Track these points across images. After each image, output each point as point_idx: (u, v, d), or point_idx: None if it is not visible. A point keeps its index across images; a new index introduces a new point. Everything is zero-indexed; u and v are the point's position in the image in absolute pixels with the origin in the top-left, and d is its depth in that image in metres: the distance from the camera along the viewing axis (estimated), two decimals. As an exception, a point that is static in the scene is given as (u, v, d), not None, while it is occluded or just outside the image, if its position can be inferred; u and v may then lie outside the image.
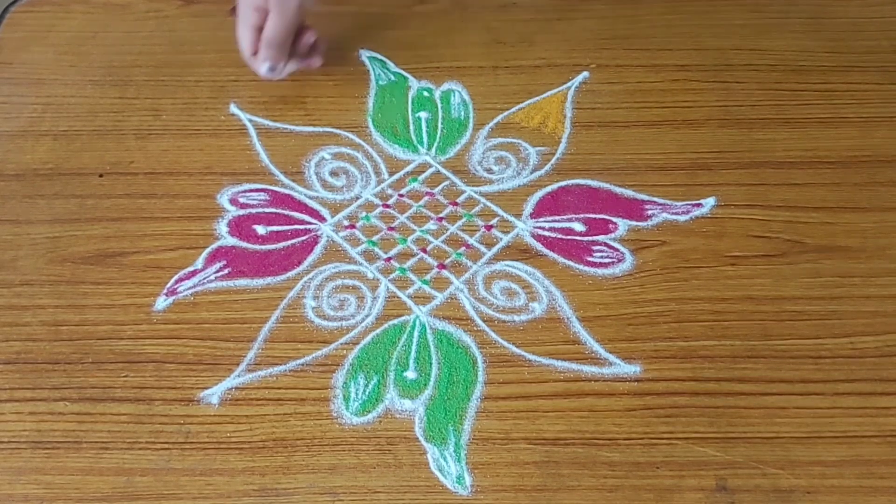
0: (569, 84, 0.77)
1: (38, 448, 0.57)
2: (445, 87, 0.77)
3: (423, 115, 0.75)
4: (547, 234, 0.67)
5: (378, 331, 0.62)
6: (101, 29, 0.82)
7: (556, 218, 0.68)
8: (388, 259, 0.66)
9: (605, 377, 0.59)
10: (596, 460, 0.56)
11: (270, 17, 0.64)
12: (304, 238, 0.67)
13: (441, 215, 0.68)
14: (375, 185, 0.70)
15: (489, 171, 0.71)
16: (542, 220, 0.68)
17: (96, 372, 0.60)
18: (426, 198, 0.69)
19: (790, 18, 0.81)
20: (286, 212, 0.68)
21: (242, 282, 0.64)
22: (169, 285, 0.64)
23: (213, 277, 0.65)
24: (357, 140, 0.73)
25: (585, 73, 0.77)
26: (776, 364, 0.60)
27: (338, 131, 0.74)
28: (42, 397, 0.59)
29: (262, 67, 0.67)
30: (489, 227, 0.67)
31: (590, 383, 0.59)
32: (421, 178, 0.71)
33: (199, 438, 0.57)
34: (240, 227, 0.67)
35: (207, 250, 0.66)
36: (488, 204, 0.69)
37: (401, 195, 0.70)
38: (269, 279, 0.64)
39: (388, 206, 0.69)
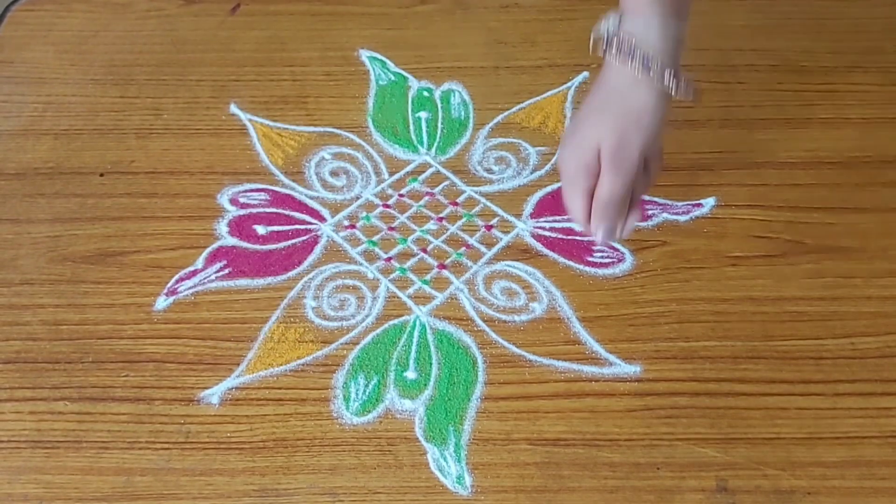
0: (569, 84, 0.77)
1: (37, 447, 0.57)
2: (445, 87, 0.77)
3: (423, 115, 0.75)
4: (547, 234, 0.67)
5: (378, 331, 0.62)
6: (102, 28, 0.82)
7: (557, 218, 0.68)
8: (389, 259, 0.66)
9: (606, 377, 0.59)
10: (597, 461, 0.56)
11: (605, 175, 0.54)
12: (304, 238, 0.67)
13: (441, 215, 0.68)
14: (375, 185, 0.70)
15: (489, 171, 0.71)
16: (542, 220, 0.68)
17: (96, 371, 0.60)
18: (426, 198, 0.69)
19: (792, 19, 0.81)
20: (286, 212, 0.68)
21: (243, 282, 0.64)
22: (169, 285, 0.64)
23: (213, 277, 0.64)
24: (357, 140, 0.73)
25: (586, 73, 0.77)
26: (777, 365, 0.60)
27: (338, 131, 0.74)
28: (42, 397, 0.59)
29: (598, 234, 0.56)
30: (489, 227, 0.67)
31: (590, 384, 0.59)
32: (421, 178, 0.71)
33: (200, 438, 0.57)
34: (240, 226, 0.67)
35: (208, 250, 0.66)
36: (488, 204, 0.69)
37: (401, 195, 0.70)
38: (269, 279, 0.64)
39: (388, 206, 0.69)
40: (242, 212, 0.68)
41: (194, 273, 0.65)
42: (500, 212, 0.68)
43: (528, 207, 0.69)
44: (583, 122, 0.55)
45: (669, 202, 0.68)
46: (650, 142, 0.54)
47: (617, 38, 0.53)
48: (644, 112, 0.54)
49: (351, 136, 0.73)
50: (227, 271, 0.65)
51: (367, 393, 0.59)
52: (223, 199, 0.69)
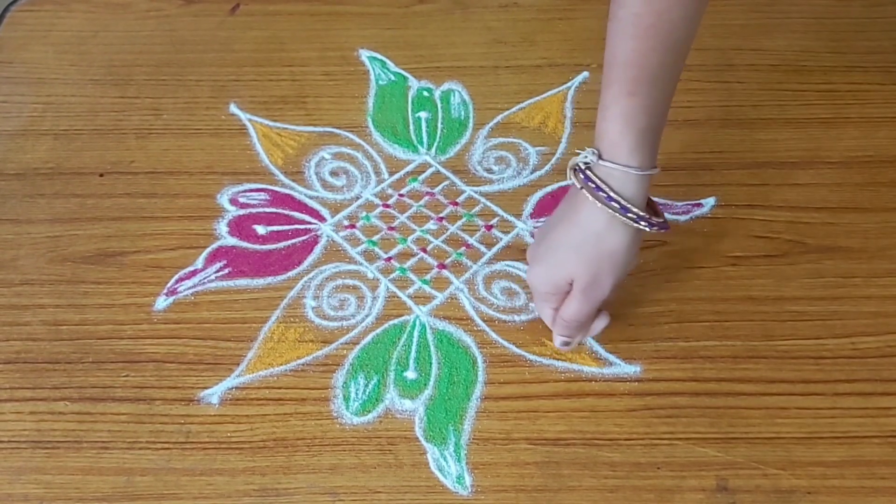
0: (569, 84, 0.77)
1: (38, 448, 0.57)
2: (445, 86, 0.77)
3: (423, 115, 0.75)
4: (547, 234, 0.67)
5: (378, 331, 0.62)
6: (101, 28, 0.82)
7: (557, 218, 0.68)
8: (389, 259, 0.66)
9: (606, 377, 0.59)
10: (597, 461, 0.56)
11: (573, 301, 0.56)
12: (304, 238, 0.67)
13: (441, 215, 0.68)
14: (375, 185, 0.70)
15: (489, 170, 0.71)
16: (542, 219, 0.68)
17: (96, 372, 0.60)
18: (426, 198, 0.69)
19: (792, 18, 0.81)
20: (286, 212, 0.68)
21: (243, 281, 0.64)
22: (169, 285, 0.64)
23: (213, 277, 0.64)
24: (357, 140, 0.73)
25: (586, 73, 0.77)
26: (777, 364, 0.60)
27: (338, 131, 0.74)
28: (42, 397, 0.59)
29: (556, 340, 0.60)
30: (489, 227, 0.67)
31: (590, 383, 0.59)
32: (421, 177, 0.71)
33: (200, 438, 0.57)
34: (240, 226, 0.67)
35: (208, 250, 0.66)
36: (488, 204, 0.69)
37: (401, 195, 0.70)
38: (269, 279, 0.64)
39: (388, 206, 0.69)
40: (242, 212, 0.68)
41: (194, 273, 0.65)
42: (500, 212, 0.68)
43: (528, 207, 0.69)
44: (558, 256, 0.55)
45: (669, 202, 0.68)
46: (623, 275, 0.56)
47: (594, 183, 0.53)
48: (619, 252, 0.54)
49: (351, 136, 0.73)
50: (227, 271, 0.65)
51: (367, 393, 0.59)
52: (223, 199, 0.69)
